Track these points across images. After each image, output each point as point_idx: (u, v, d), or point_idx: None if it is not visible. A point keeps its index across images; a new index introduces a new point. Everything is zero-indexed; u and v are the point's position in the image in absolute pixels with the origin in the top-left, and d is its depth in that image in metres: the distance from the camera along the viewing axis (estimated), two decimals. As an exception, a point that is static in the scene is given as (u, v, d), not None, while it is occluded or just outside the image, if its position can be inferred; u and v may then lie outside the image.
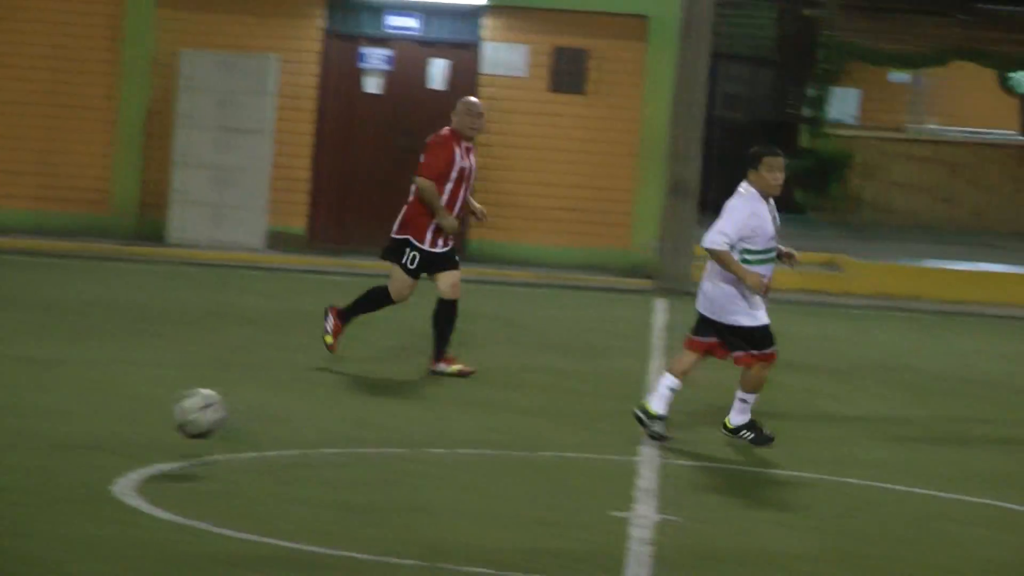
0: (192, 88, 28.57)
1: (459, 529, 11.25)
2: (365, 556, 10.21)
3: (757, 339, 14.47)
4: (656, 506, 12.46)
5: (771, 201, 14.63)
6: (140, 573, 9.70)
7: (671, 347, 21.57)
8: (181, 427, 12.36)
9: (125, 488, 11.73)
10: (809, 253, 30.40)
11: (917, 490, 13.59)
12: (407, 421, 15.23)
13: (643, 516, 12.03)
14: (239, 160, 28.79)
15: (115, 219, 29.20)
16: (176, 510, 11.16)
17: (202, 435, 12.34)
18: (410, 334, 20.15)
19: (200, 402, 12.34)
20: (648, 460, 14.28)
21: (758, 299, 14.55)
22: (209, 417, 12.33)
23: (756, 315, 14.49)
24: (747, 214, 14.44)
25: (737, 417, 14.70)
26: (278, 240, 29.32)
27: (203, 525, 10.72)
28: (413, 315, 19.06)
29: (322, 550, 10.44)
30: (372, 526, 11.10)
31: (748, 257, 14.38)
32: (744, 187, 14.63)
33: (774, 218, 14.44)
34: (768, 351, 14.45)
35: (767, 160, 14.28)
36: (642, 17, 29.37)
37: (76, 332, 19.53)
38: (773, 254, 14.43)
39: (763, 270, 14.29)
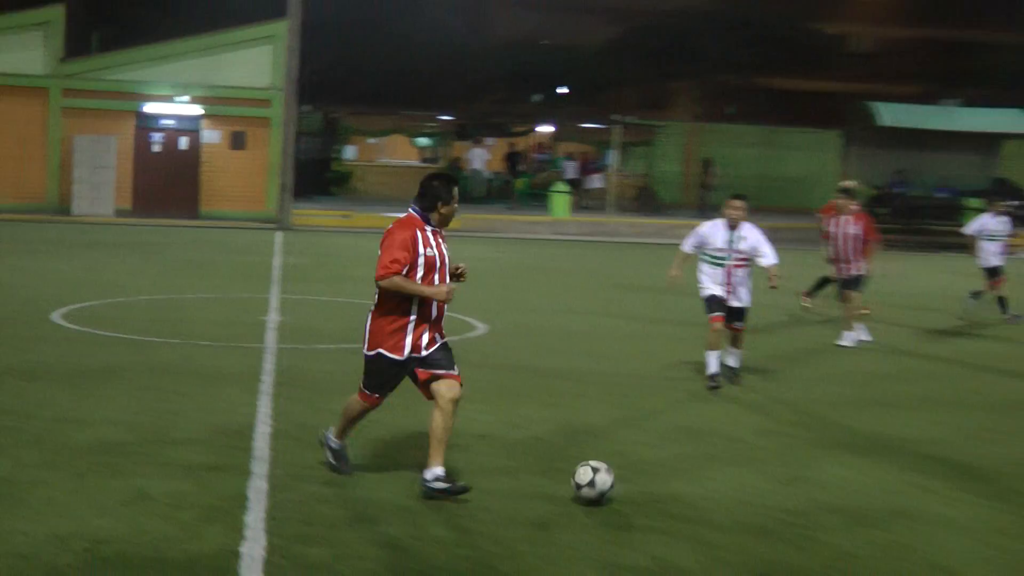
0: (79, 151, 29.23)
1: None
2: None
3: None
4: (278, 309, 11.71)
5: None
6: (67, 359, 8.69)
7: (283, 251, 20.77)
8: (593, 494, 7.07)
9: (58, 316, 10.49)
10: (334, 212, 31.24)
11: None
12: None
13: (273, 319, 11.37)
14: (106, 178, 29.03)
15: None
16: (90, 327, 9.96)
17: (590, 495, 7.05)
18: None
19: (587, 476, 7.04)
20: (274, 297, 13.53)
21: None
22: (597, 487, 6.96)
23: None
24: None
25: None
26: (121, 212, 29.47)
27: (110, 334, 9.78)
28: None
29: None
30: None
31: None
32: None
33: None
34: None
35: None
36: (267, 118, 30.48)
37: (34, 249, 17.52)
38: None
39: None
